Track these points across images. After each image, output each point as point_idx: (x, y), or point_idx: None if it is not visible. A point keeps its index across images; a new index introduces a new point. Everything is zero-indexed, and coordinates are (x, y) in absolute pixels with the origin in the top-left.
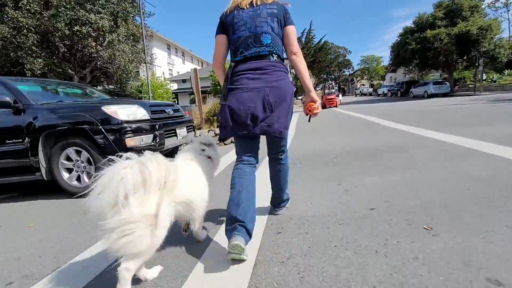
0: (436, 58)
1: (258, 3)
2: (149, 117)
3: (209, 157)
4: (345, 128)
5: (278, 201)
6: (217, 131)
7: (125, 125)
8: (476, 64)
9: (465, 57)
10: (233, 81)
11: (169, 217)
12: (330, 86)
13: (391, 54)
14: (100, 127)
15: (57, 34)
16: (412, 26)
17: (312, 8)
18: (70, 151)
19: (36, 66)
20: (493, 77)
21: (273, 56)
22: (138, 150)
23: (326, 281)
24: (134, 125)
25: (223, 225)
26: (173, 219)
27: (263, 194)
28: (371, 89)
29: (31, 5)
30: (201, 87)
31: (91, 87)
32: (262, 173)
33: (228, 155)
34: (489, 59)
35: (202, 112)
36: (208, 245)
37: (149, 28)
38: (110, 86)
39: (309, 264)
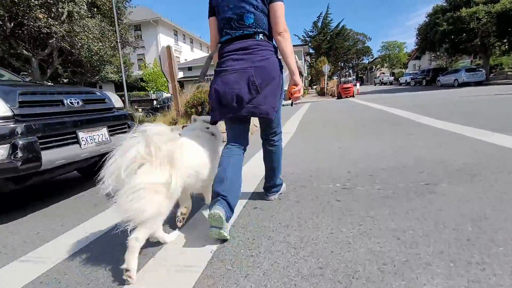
0: (470, 41)
1: None
2: (10, 113)
3: (213, 134)
4: (365, 126)
5: (270, 184)
6: None
7: None
8: None
9: (505, 40)
10: (220, 63)
11: (177, 188)
12: (347, 74)
13: (417, 38)
14: None
15: None
16: (444, 4)
17: None
18: None
19: None
20: None
21: (258, 35)
22: None
23: None
24: None
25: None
26: (181, 191)
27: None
28: (391, 78)
29: None
30: (190, 78)
31: None
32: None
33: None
34: None
35: (178, 103)
36: None
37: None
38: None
39: None
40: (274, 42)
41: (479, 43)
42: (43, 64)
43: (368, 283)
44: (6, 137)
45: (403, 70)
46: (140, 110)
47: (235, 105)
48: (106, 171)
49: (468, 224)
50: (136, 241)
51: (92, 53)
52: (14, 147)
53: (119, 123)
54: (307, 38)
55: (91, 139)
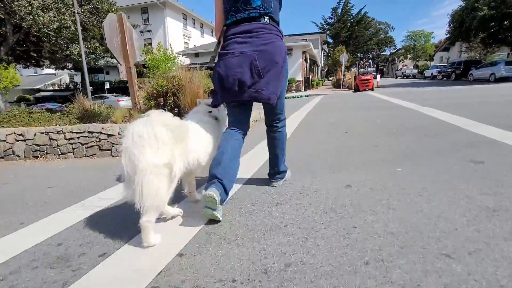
0: None
1: None
2: None
3: (216, 118)
4: (394, 139)
5: (274, 170)
6: None
7: None
8: None
9: None
10: (224, 46)
11: (180, 170)
12: (367, 64)
13: (449, 26)
14: None
15: None
16: None
17: None
18: None
19: None
20: None
21: (264, 18)
22: None
23: None
24: None
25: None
26: (183, 173)
27: None
28: (415, 71)
29: None
30: (205, 63)
31: None
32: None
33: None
34: None
35: (135, 94)
36: None
37: None
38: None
39: None
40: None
41: None
42: None
43: None
44: None
45: (427, 62)
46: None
47: (236, 89)
48: (121, 155)
49: None
50: (148, 223)
51: (40, 25)
52: None
53: None
54: (325, 26)
55: None
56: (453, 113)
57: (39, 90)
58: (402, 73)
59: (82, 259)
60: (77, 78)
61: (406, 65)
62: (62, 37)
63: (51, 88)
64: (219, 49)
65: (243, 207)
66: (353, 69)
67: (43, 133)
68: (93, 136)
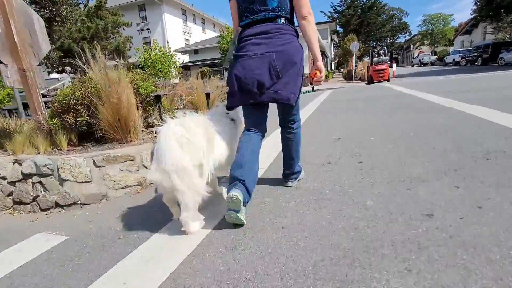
0: None
1: None
2: None
3: (232, 120)
4: (463, 182)
5: (289, 171)
6: None
7: None
8: None
9: None
10: (240, 48)
11: (210, 169)
12: (381, 52)
13: (476, 4)
14: None
15: None
16: None
17: None
18: None
19: None
20: None
21: (280, 19)
22: None
23: None
24: None
25: None
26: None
27: None
28: (434, 57)
29: None
30: (206, 61)
31: None
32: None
33: None
34: None
35: (39, 109)
36: None
37: None
38: None
39: None
40: (295, 26)
41: None
42: None
43: None
44: None
45: (446, 48)
46: None
47: (255, 91)
48: (154, 156)
49: None
50: (187, 218)
51: None
52: None
53: None
54: (334, 14)
55: None
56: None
57: (42, 96)
58: (419, 60)
59: None
60: None
61: (422, 52)
62: None
63: (53, 93)
64: (235, 51)
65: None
66: (366, 59)
67: None
68: None
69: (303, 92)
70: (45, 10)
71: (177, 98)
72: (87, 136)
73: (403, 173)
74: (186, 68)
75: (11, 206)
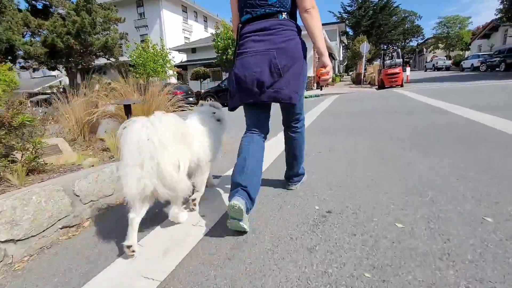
0: None
1: None
2: None
3: (218, 120)
4: None
5: (292, 173)
6: None
7: None
8: None
9: None
10: (240, 45)
11: (185, 169)
12: (394, 55)
13: (503, 3)
14: None
15: None
16: None
17: None
18: None
19: None
20: None
21: (281, 14)
22: None
23: None
24: None
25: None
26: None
27: None
28: (449, 62)
29: None
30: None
31: None
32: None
33: None
34: None
35: None
36: None
37: None
38: None
39: None
40: (297, 21)
41: None
42: None
43: None
44: None
45: (461, 52)
46: None
47: (256, 89)
48: (124, 152)
49: None
50: (176, 213)
51: None
52: None
53: None
54: (344, 15)
55: None
56: None
57: (37, 94)
58: (433, 65)
59: None
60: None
61: (436, 56)
62: None
63: (49, 91)
64: (235, 49)
65: None
66: (376, 62)
67: None
68: None
69: (305, 97)
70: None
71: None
72: None
73: None
74: (183, 67)
75: None
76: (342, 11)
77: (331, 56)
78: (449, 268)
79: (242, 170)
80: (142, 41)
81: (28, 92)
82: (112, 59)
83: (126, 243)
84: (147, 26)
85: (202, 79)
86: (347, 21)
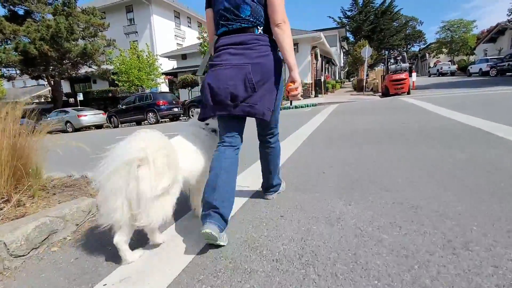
0: None
1: None
2: None
3: (214, 131)
4: None
5: (268, 185)
6: None
7: None
8: None
9: None
10: (215, 56)
11: (177, 188)
12: (399, 59)
13: None
14: None
15: None
16: None
17: None
18: None
19: None
20: None
21: (257, 29)
22: None
23: None
24: None
25: None
26: (181, 189)
27: None
28: (454, 67)
29: None
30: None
31: None
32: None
33: None
34: None
35: None
36: None
37: None
38: None
39: None
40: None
41: None
42: None
43: None
44: None
45: (465, 57)
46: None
47: (229, 102)
48: (100, 172)
49: None
50: (155, 236)
51: None
52: None
53: None
54: (344, 20)
55: None
56: None
57: (24, 103)
58: (438, 70)
59: None
60: (66, 88)
61: (439, 61)
62: None
63: (36, 101)
64: (209, 60)
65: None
66: (378, 68)
67: None
68: None
69: (302, 106)
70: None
71: None
72: None
73: None
74: (174, 75)
75: None
76: (342, 16)
77: (331, 62)
78: None
79: (213, 188)
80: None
81: (15, 101)
82: (94, 67)
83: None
84: (136, 32)
85: (190, 87)
86: (347, 26)
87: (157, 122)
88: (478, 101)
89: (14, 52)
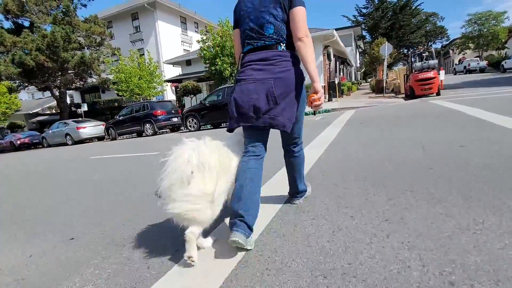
0: None
1: None
2: None
3: None
4: None
5: (293, 191)
6: None
7: None
8: None
9: None
10: (240, 72)
11: (224, 195)
12: (426, 54)
13: None
14: None
15: None
16: None
17: None
18: None
19: None
20: None
21: (280, 45)
22: None
23: None
24: None
25: None
26: (228, 197)
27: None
28: (483, 63)
29: None
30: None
31: None
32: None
33: None
34: None
35: None
36: None
37: None
38: None
39: None
40: (295, 51)
41: None
42: None
43: None
44: None
45: (494, 52)
46: None
47: (252, 114)
48: (169, 175)
49: None
50: (192, 234)
51: None
52: None
53: None
54: (359, 18)
55: None
56: None
57: (37, 114)
58: (464, 67)
59: None
60: (77, 99)
61: (465, 58)
62: None
63: (48, 112)
64: (236, 75)
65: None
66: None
67: None
68: None
69: (313, 113)
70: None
71: None
72: None
73: None
74: (179, 82)
75: None
76: (357, 14)
77: (346, 62)
78: None
79: (239, 198)
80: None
81: (28, 113)
82: (95, 77)
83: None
84: (142, 40)
85: (192, 95)
86: (363, 25)
87: (155, 133)
88: None
89: (12, 64)
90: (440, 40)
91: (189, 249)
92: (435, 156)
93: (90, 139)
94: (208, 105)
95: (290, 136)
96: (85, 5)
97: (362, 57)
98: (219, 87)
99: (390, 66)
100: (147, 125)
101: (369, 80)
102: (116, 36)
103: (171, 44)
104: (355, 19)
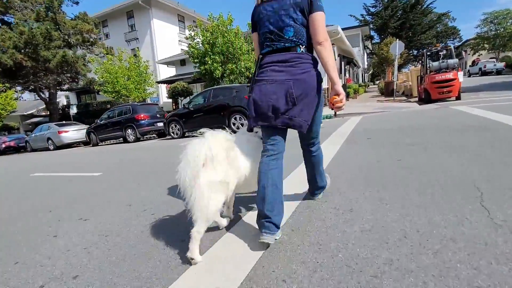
0: None
1: None
2: None
3: (261, 138)
4: None
5: (313, 187)
6: None
7: None
8: None
9: None
10: (259, 73)
11: (230, 186)
12: (443, 53)
13: None
14: None
15: None
16: None
17: None
18: None
19: None
20: None
21: (300, 48)
22: None
23: None
24: None
25: None
26: (234, 189)
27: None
28: (501, 64)
29: None
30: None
31: None
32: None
33: None
34: None
35: None
36: None
37: None
38: None
39: None
40: (314, 53)
41: None
42: None
43: None
44: None
45: (510, 54)
46: None
47: (270, 114)
48: (180, 167)
49: None
50: (198, 233)
51: None
52: None
53: None
54: (367, 17)
55: None
56: None
57: (32, 116)
58: (480, 69)
59: None
60: (73, 100)
61: (479, 59)
62: None
63: (43, 114)
64: (254, 76)
65: None
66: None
67: None
68: None
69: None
70: None
71: None
72: None
73: None
74: (172, 82)
75: None
76: (365, 13)
77: (353, 63)
78: None
79: (263, 199)
80: (135, 55)
81: (22, 114)
82: (81, 77)
83: (188, 255)
84: (137, 39)
85: (182, 97)
86: (371, 24)
87: (137, 140)
88: None
89: None
90: (452, 41)
91: (192, 250)
92: None
93: (77, 144)
94: (192, 109)
95: (307, 136)
96: (76, 3)
97: (370, 58)
98: (205, 89)
99: (399, 68)
100: (129, 131)
101: (377, 82)
102: (111, 35)
103: (168, 43)
104: (363, 19)
